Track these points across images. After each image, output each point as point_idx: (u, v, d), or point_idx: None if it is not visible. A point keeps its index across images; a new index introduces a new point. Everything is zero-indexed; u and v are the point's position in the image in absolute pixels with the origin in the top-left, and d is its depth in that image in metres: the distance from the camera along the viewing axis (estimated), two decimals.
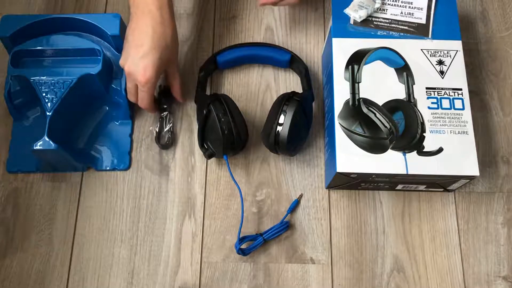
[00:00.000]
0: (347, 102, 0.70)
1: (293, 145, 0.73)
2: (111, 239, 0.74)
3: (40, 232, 0.74)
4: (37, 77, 0.72)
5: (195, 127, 0.80)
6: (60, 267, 0.72)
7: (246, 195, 0.76)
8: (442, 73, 0.72)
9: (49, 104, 0.70)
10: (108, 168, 0.77)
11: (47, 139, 0.68)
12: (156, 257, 0.73)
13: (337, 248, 0.74)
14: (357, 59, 0.72)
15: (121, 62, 0.70)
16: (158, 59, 0.68)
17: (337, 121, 0.69)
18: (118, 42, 0.75)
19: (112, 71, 0.77)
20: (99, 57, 0.73)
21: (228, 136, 0.70)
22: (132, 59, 0.68)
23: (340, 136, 0.69)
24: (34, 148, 0.68)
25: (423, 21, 0.75)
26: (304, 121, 0.74)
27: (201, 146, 0.74)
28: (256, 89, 0.83)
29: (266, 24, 0.87)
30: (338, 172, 0.67)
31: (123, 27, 0.75)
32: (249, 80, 0.83)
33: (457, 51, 0.73)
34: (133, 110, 0.80)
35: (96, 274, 0.72)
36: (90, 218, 0.75)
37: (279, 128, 0.71)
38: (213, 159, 0.78)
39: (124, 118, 0.79)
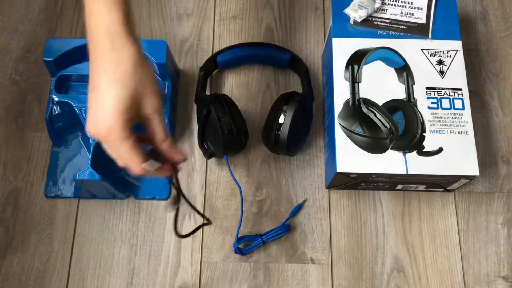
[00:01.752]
0: (347, 102, 0.70)
1: (293, 145, 0.73)
2: (111, 239, 0.74)
3: (40, 232, 0.74)
4: (82, 104, 0.71)
5: (195, 127, 0.80)
6: (60, 267, 0.72)
7: (246, 195, 0.76)
8: (442, 73, 0.72)
9: None
10: (148, 197, 0.75)
11: (91, 169, 0.67)
12: (156, 257, 0.73)
13: (337, 248, 0.74)
14: (357, 59, 0.72)
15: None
16: (117, 95, 0.48)
17: (337, 121, 0.69)
18: (164, 69, 0.75)
19: None
20: None
21: (228, 136, 0.70)
22: (90, 110, 0.50)
23: (340, 136, 0.69)
24: (77, 178, 0.68)
25: (423, 21, 0.75)
26: (304, 121, 0.74)
27: (201, 146, 0.74)
28: (256, 89, 0.83)
29: (266, 24, 0.87)
30: (338, 172, 0.67)
31: (169, 54, 0.75)
32: (249, 80, 0.83)
33: (457, 51, 0.73)
34: (173, 138, 0.79)
35: (96, 274, 0.72)
36: (90, 218, 0.75)
37: (279, 128, 0.71)
38: (213, 159, 0.78)
39: None
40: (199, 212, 0.65)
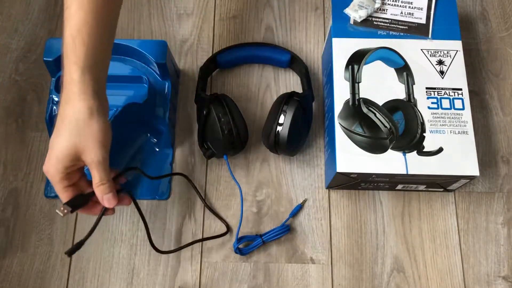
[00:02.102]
0: (347, 102, 0.70)
1: (293, 145, 0.73)
2: (111, 239, 0.74)
3: (40, 232, 0.74)
4: None
5: (195, 127, 0.80)
6: (60, 267, 0.72)
7: (246, 195, 0.76)
8: (442, 73, 0.72)
9: None
10: (148, 198, 0.75)
11: None
12: (156, 257, 0.73)
13: (337, 248, 0.74)
14: (357, 59, 0.72)
15: None
16: (58, 143, 0.55)
17: (337, 121, 0.69)
18: (164, 69, 0.75)
19: (156, 98, 0.76)
20: (144, 85, 0.72)
21: (228, 136, 0.70)
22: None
23: (340, 136, 0.69)
24: None
25: (423, 21, 0.75)
26: (304, 121, 0.74)
27: (201, 146, 0.74)
28: (256, 89, 0.83)
29: (266, 24, 0.87)
30: (338, 172, 0.67)
31: (169, 54, 0.75)
32: (249, 80, 0.83)
33: (457, 51, 0.73)
34: (174, 138, 0.79)
35: (96, 274, 0.72)
36: (90, 218, 0.74)
37: (279, 128, 0.71)
38: (213, 159, 0.78)
39: (165, 146, 0.78)
40: (222, 219, 0.73)
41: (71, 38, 0.58)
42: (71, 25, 0.58)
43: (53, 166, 0.56)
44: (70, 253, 0.58)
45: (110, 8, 0.60)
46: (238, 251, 0.71)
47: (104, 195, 0.58)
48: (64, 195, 0.57)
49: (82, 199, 0.60)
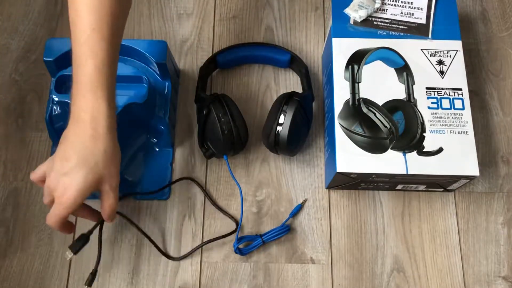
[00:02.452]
0: (347, 102, 0.70)
1: (293, 145, 0.73)
2: (111, 239, 0.74)
3: (40, 232, 0.74)
4: None
5: (195, 127, 0.80)
6: (60, 267, 0.72)
7: (246, 195, 0.76)
8: (442, 73, 0.72)
9: None
10: (148, 198, 0.75)
11: None
12: (156, 257, 0.73)
13: (337, 248, 0.74)
14: (357, 59, 0.72)
15: (42, 167, 0.61)
16: (84, 178, 0.57)
17: (337, 121, 0.69)
18: (164, 69, 0.74)
19: (156, 98, 0.76)
20: (144, 85, 0.72)
21: (228, 136, 0.70)
22: (55, 173, 0.58)
23: (340, 136, 0.69)
24: None
25: (423, 21, 0.75)
26: (304, 121, 0.74)
27: (201, 146, 0.74)
28: (256, 89, 0.83)
29: (266, 24, 0.87)
30: (338, 172, 0.67)
31: (169, 54, 0.75)
32: (249, 80, 0.83)
33: (457, 51, 0.73)
34: (174, 138, 0.79)
35: (96, 274, 0.72)
36: None
37: (279, 128, 0.71)
38: (213, 159, 0.78)
39: (165, 145, 0.78)
40: (230, 216, 0.74)
41: (97, 68, 0.57)
42: (96, 59, 0.57)
43: (77, 195, 0.57)
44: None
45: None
46: (238, 251, 0.71)
47: (113, 214, 0.62)
48: (65, 217, 0.59)
49: (84, 239, 0.66)
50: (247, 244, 0.72)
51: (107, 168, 0.59)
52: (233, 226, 0.74)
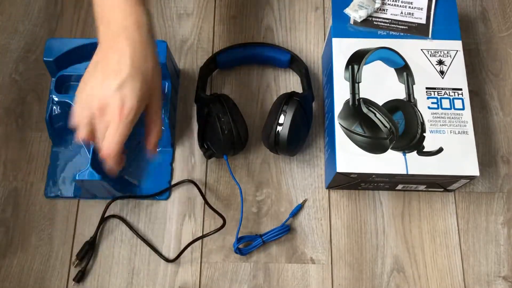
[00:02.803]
0: (347, 102, 0.70)
1: (293, 145, 0.73)
2: (111, 239, 0.74)
3: (40, 232, 0.74)
4: None
5: (195, 127, 0.80)
6: (60, 267, 0.72)
7: (246, 195, 0.76)
8: (442, 73, 0.72)
9: None
10: (148, 198, 0.75)
11: (91, 169, 0.67)
12: (156, 257, 0.73)
13: (337, 248, 0.74)
14: (357, 59, 0.72)
15: (80, 90, 0.56)
16: (141, 87, 0.53)
17: (337, 121, 0.69)
18: (164, 69, 0.74)
19: None
20: None
21: (228, 136, 0.70)
22: (105, 90, 0.53)
23: (340, 136, 0.69)
24: (77, 178, 0.67)
25: (423, 21, 0.75)
26: (304, 121, 0.74)
27: (201, 146, 0.74)
28: (256, 89, 0.83)
29: (266, 24, 0.87)
30: (338, 172, 0.67)
31: (169, 54, 0.75)
32: (249, 80, 0.83)
33: (457, 51, 0.73)
34: (174, 138, 0.79)
35: (96, 274, 0.72)
36: (90, 218, 0.75)
37: (279, 128, 0.71)
38: (213, 159, 0.78)
39: (165, 145, 0.78)
40: (218, 213, 0.73)
41: None
42: None
43: (138, 103, 0.53)
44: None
45: None
46: (238, 251, 0.71)
47: (157, 141, 0.59)
48: (127, 134, 0.55)
49: (89, 247, 0.71)
50: (247, 244, 0.72)
51: (158, 77, 0.56)
52: (233, 225, 0.74)
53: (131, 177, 0.76)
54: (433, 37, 0.74)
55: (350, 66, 0.72)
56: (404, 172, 0.67)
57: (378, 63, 0.72)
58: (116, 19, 0.54)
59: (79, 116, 0.55)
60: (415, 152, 0.68)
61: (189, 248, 0.73)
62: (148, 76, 0.54)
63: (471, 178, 0.68)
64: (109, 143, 0.53)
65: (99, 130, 0.55)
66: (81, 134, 0.55)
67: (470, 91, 0.72)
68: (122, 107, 0.52)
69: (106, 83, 0.53)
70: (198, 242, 0.73)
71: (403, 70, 0.72)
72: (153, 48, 0.55)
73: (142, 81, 0.53)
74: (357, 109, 0.70)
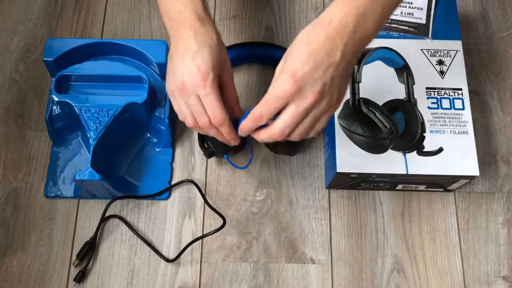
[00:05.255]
0: (347, 102, 0.70)
1: (293, 145, 0.73)
2: (111, 239, 0.74)
3: (40, 232, 0.74)
4: (82, 104, 0.70)
5: None
6: (60, 267, 0.72)
7: (246, 195, 0.76)
8: (442, 73, 0.72)
9: (93, 132, 0.69)
10: (148, 198, 0.75)
11: (91, 169, 0.67)
12: (156, 257, 0.73)
13: (337, 248, 0.74)
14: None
15: (167, 84, 0.61)
16: (209, 56, 0.57)
17: (337, 121, 0.69)
18: (163, 69, 0.73)
19: (156, 98, 0.76)
20: (144, 85, 0.72)
21: None
22: (183, 68, 0.57)
23: (340, 136, 0.69)
24: (77, 178, 0.67)
25: (423, 21, 0.75)
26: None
27: (201, 145, 0.74)
28: (256, 89, 0.83)
29: (266, 24, 0.87)
30: (338, 172, 0.67)
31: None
32: (249, 80, 0.83)
33: (457, 51, 0.73)
34: (174, 138, 0.79)
35: (96, 274, 0.72)
36: (90, 218, 0.75)
37: None
38: (213, 159, 0.78)
39: (165, 145, 0.78)
40: (219, 213, 0.72)
41: None
42: None
43: (211, 67, 0.57)
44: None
45: None
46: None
47: (237, 103, 0.62)
48: (220, 104, 0.58)
49: (89, 247, 0.71)
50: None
51: (224, 52, 0.61)
52: (233, 225, 0.74)
53: (131, 177, 0.76)
54: (433, 37, 0.74)
55: None
56: (404, 172, 0.67)
57: (378, 63, 0.72)
58: (177, 12, 0.59)
59: (177, 107, 0.61)
60: (415, 152, 0.68)
61: (189, 248, 0.73)
62: (214, 48, 0.58)
63: (471, 178, 0.68)
64: (215, 116, 0.59)
65: (192, 106, 0.59)
66: (187, 122, 0.61)
67: (470, 91, 0.72)
68: (199, 73, 0.56)
69: (183, 63, 0.57)
70: (198, 242, 0.73)
71: (403, 70, 0.72)
72: (213, 28, 0.60)
73: (210, 53, 0.57)
74: (357, 109, 0.70)
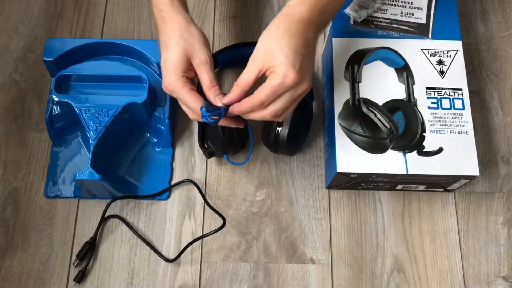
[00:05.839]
0: (347, 102, 0.70)
1: (293, 145, 0.73)
2: (111, 239, 0.74)
3: (40, 232, 0.74)
4: (82, 104, 0.71)
5: (195, 127, 0.80)
6: (60, 267, 0.72)
7: (246, 195, 0.76)
8: (442, 73, 0.72)
9: (93, 132, 0.69)
10: (148, 198, 0.75)
11: (91, 169, 0.67)
12: (156, 257, 0.73)
13: (337, 248, 0.74)
14: (357, 59, 0.72)
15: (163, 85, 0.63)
16: (171, 55, 0.61)
17: (337, 121, 0.69)
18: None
19: (156, 98, 0.76)
20: (144, 85, 0.72)
21: (228, 135, 0.70)
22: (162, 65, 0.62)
23: (340, 136, 0.69)
24: (77, 178, 0.67)
25: (423, 21, 0.75)
26: (304, 121, 0.74)
27: (201, 145, 0.74)
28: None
29: (266, 24, 0.86)
30: (338, 172, 0.67)
31: None
32: None
33: (457, 51, 0.73)
34: (174, 138, 0.79)
35: (96, 274, 0.72)
36: (90, 218, 0.75)
37: (279, 128, 0.71)
38: (213, 159, 0.78)
39: (165, 145, 0.78)
40: (218, 213, 0.73)
41: None
42: None
43: (173, 74, 0.60)
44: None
45: None
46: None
47: (216, 96, 0.60)
48: (193, 98, 0.60)
49: (89, 247, 0.71)
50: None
51: (186, 40, 0.63)
52: (233, 225, 0.74)
53: (131, 177, 0.76)
54: (433, 37, 0.74)
55: (350, 66, 0.72)
56: (404, 172, 0.67)
57: (378, 63, 0.72)
58: (157, 27, 0.64)
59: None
60: (415, 152, 0.68)
61: (189, 248, 0.73)
62: (182, 37, 0.61)
63: (471, 178, 0.68)
64: (185, 109, 0.63)
65: (180, 103, 0.63)
66: (191, 116, 0.63)
67: (470, 91, 0.72)
68: (166, 78, 0.61)
69: (161, 63, 0.62)
70: (198, 242, 0.73)
71: (403, 70, 0.72)
72: (184, 14, 0.63)
73: (176, 45, 0.61)
74: (357, 109, 0.70)
